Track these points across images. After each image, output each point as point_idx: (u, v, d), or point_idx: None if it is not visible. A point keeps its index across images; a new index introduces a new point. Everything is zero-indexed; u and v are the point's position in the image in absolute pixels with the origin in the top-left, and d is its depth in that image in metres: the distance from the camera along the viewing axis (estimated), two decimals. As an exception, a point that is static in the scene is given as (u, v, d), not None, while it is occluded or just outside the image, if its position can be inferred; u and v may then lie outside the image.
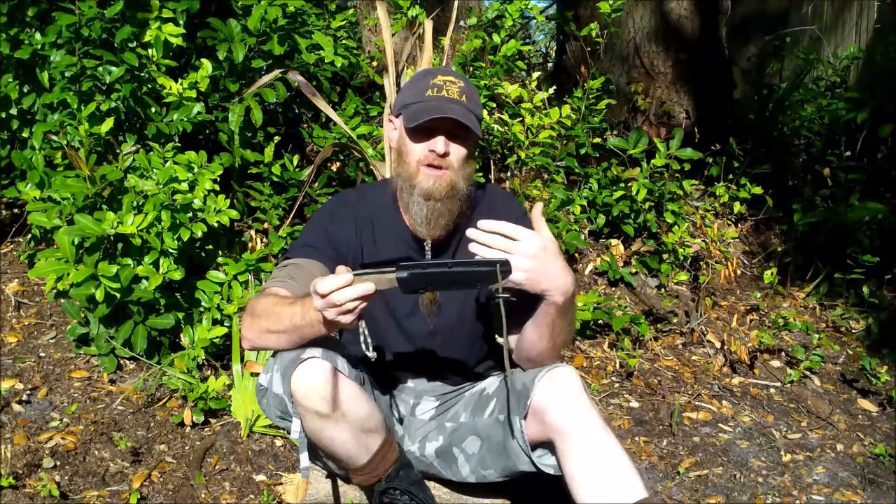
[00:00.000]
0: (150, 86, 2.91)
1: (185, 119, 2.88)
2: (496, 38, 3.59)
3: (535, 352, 1.82)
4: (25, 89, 2.92)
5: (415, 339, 1.97)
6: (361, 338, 1.65)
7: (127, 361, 2.74)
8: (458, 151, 1.83)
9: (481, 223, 1.63)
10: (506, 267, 1.60)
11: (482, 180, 3.36)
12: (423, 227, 1.86)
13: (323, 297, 1.54)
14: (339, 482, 2.08)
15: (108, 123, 2.71)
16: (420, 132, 1.83)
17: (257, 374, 2.13)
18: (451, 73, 1.89)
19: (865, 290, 3.87)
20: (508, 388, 1.84)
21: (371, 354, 1.65)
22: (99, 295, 2.49)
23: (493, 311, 1.71)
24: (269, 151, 3.12)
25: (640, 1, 4.55)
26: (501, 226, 1.62)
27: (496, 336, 2.06)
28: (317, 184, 3.19)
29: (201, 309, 2.74)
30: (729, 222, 4.23)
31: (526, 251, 1.62)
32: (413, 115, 1.82)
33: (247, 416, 2.55)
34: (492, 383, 2.01)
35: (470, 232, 1.64)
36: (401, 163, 1.88)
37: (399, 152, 1.89)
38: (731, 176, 4.09)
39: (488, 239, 1.62)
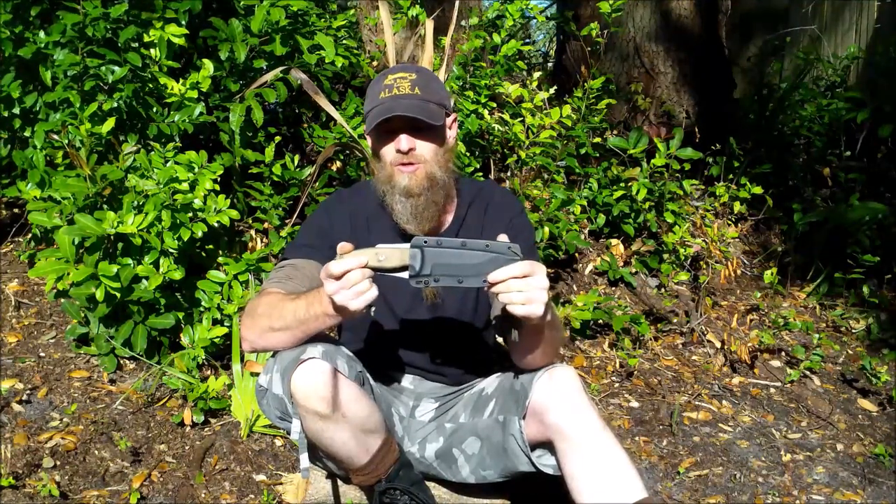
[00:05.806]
0: (152, 86, 2.91)
1: (187, 120, 2.88)
2: (496, 38, 3.59)
3: (534, 359, 1.82)
4: (28, 88, 2.91)
5: (414, 336, 1.98)
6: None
7: (127, 361, 2.74)
8: (425, 143, 1.85)
9: (491, 278, 1.57)
10: (517, 250, 1.58)
11: (482, 180, 3.37)
12: (411, 223, 1.88)
13: (337, 278, 1.55)
14: (339, 482, 2.09)
15: (110, 123, 2.71)
16: (384, 135, 1.85)
17: (257, 374, 2.13)
18: (403, 69, 1.90)
19: (865, 290, 3.87)
20: (517, 390, 1.83)
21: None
22: (99, 295, 2.50)
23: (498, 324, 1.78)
24: (270, 151, 3.12)
25: (640, 1, 4.55)
26: (510, 270, 1.56)
27: (496, 335, 2.08)
28: (317, 183, 3.19)
29: (201, 309, 2.74)
30: (729, 222, 4.23)
31: (541, 283, 1.57)
32: (369, 120, 1.85)
33: (247, 416, 2.56)
34: (491, 383, 2.01)
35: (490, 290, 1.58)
36: (378, 167, 1.91)
37: (375, 157, 1.92)
38: (731, 176, 4.09)
39: (506, 288, 1.56)
